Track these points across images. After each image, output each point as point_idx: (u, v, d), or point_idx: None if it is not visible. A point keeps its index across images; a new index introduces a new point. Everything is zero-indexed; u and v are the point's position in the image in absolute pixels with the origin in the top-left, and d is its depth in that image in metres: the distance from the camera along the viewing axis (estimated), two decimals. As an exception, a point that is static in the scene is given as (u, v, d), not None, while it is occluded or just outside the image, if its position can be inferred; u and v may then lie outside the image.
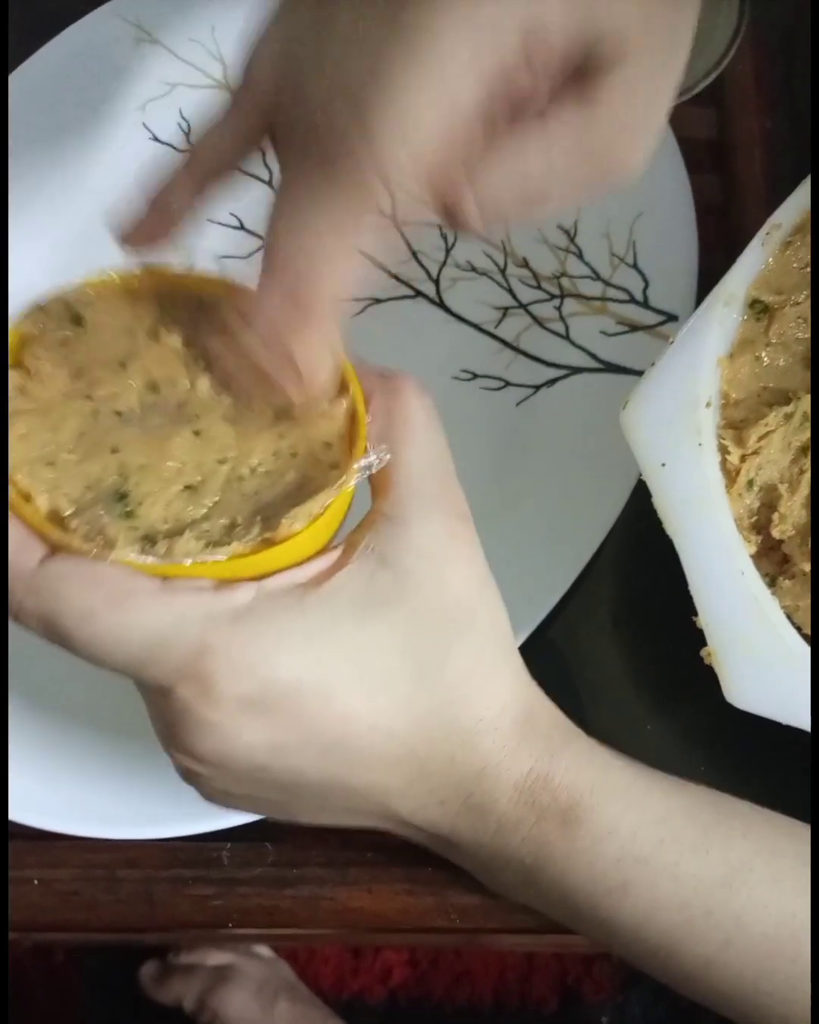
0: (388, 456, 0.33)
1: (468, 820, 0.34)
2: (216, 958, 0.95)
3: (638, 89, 0.29)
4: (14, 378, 0.33)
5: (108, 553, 0.30)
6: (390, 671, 0.32)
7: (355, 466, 0.32)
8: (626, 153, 0.30)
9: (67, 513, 0.31)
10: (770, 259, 0.38)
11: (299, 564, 0.33)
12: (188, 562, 0.30)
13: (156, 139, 0.49)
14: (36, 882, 0.41)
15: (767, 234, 0.37)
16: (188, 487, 0.32)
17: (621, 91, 0.29)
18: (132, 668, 0.31)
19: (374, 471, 0.32)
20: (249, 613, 0.31)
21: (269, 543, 0.31)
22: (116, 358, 0.33)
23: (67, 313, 0.33)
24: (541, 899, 0.35)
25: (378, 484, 0.33)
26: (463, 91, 0.27)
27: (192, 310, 0.33)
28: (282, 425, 0.33)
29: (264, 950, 0.98)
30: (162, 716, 0.32)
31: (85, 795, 0.42)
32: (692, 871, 0.33)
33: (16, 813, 0.41)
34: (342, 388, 0.33)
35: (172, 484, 0.32)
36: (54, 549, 0.31)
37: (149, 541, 0.31)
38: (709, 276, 0.44)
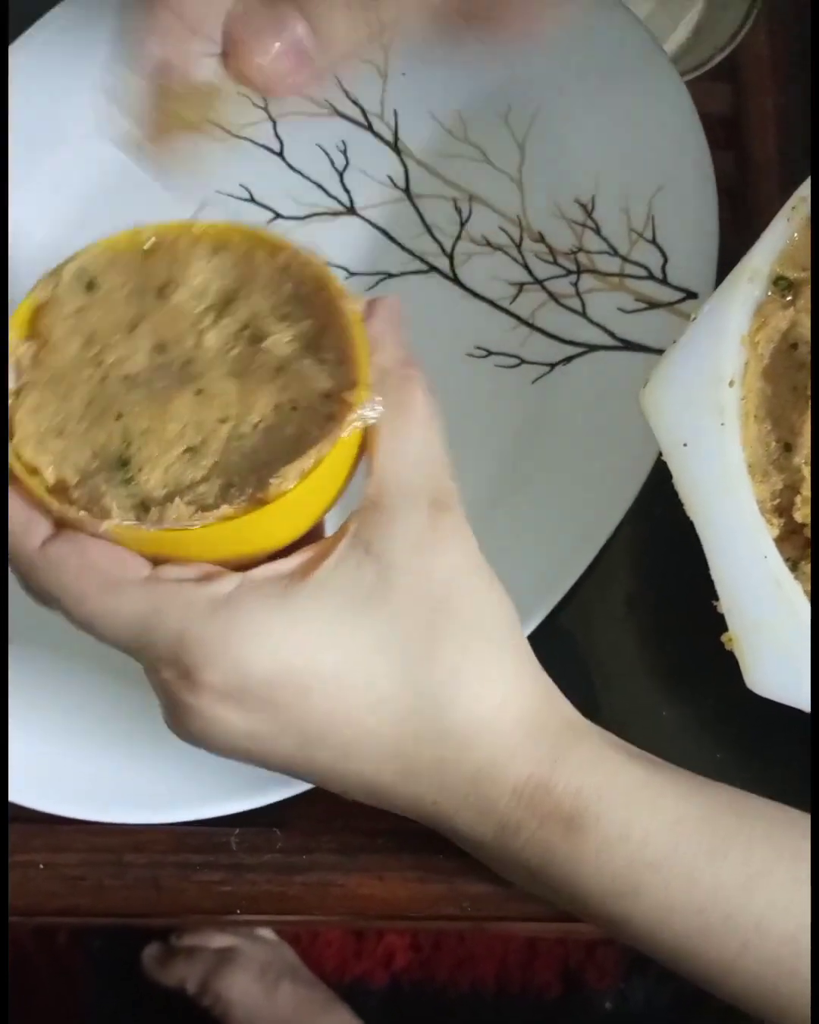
0: (381, 408, 0.32)
1: (466, 819, 0.33)
2: (219, 941, 0.95)
3: None
4: (29, 348, 0.33)
5: (100, 524, 0.31)
6: (372, 668, 0.31)
7: (349, 417, 0.31)
8: None
9: (73, 483, 0.32)
10: (795, 234, 0.37)
11: (296, 529, 0.33)
12: (179, 527, 0.31)
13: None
14: (42, 866, 0.41)
15: (793, 209, 0.36)
16: (189, 449, 0.32)
17: None
18: (125, 649, 0.32)
19: (370, 422, 0.32)
20: (228, 604, 0.31)
21: (260, 503, 0.31)
22: (127, 321, 0.33)
23: (81, 279, 0.33)
24: (551, 895, 0.34)
25: (370, 470, 0.33)
26: None
27: (206, 260, 0.34)
28: (284, 377, 0.32)
29: (267, 933, 0.98)
30: (156, 694, 0.33)
31: (92, 779, 0.41)
32: (708, 876, 0.32)
33: (23, 797, 0.40)
34: (347, 340, 0.32)
35: (173, 447, 0.32)
36: (58, 523, 0.32)
37: (144, 508, 0.31)
38: (723, 254, 0.43)
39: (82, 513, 0.31)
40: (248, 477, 0.32)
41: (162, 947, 0.97)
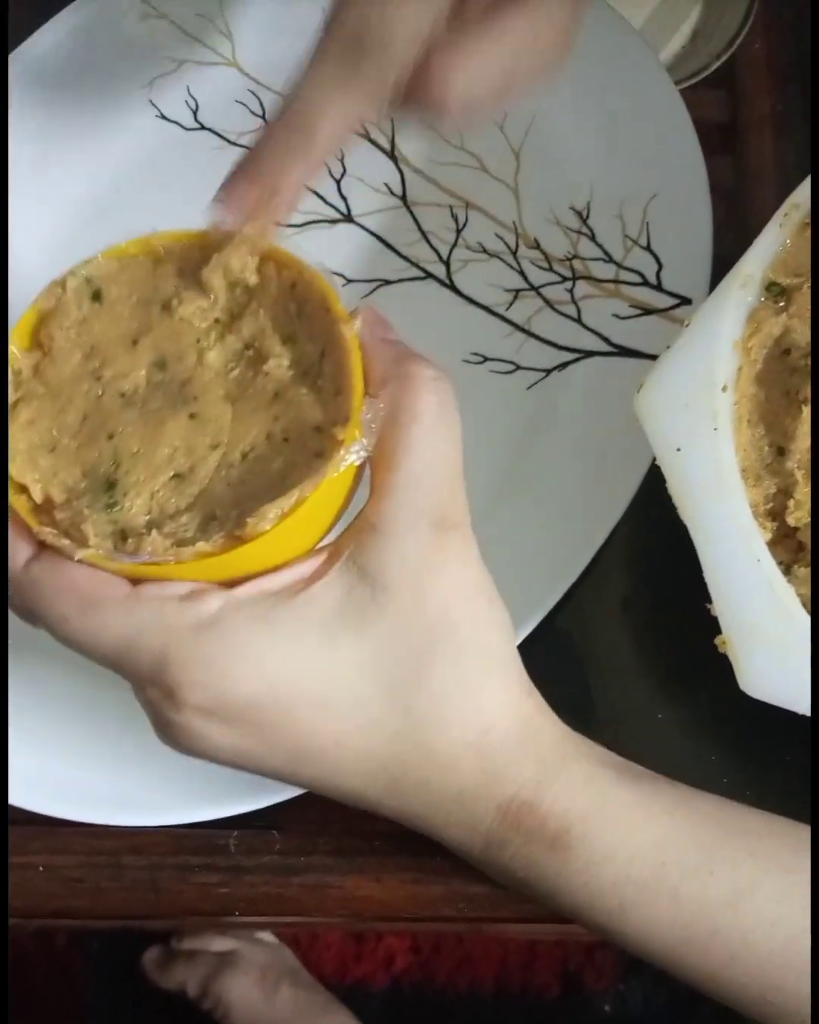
0: (366, 453, 0.31)
1: (454, 833, 0.33)
2: (219, 944, 0.95)
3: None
4: (31, 358, 0.32)
5: (77, 551, 0.30)
6: (359, 691, 0.31)
7: (336, 456, 0.30)
8: (561, 47, 0.34)
9: (59, 502, 0.31)
10: (788, 240, 0.37)
11: (280, 563, 0.32)
12: (154, 562, 0.30)
13: (163, 117, 0.48)
14: (41, 868, 0.41)
15: (785, 215, 0.37)
16: (176, 475, 0.31)
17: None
18: (110, 667, 0.32)
19: (357, 464, 0.31)
20: (212, 625, 0.30)
21: (238, 540, 0.30)
22: (129, 335, 0.33)
23: (87, 288, 0.33)
24: (543, 903, 0.35)
25: (373, 487, 0.32)
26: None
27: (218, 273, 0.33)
28: (279, 405, 0.32)
29: (267, 936, 0.98)
30: (143, 707, 0.33)
31: (91, 781, 0.41)
32: (694, 893, 0.32)
33: (23, 799, 0.41)
34: (343, 370, 0.31)
35: (161, 472, 0.31)
36: (39, 544, 0.31)
37: (122, 538, 0.31)
38: (718, 260, 0.43)
39: (63, 540, 0.30)
40: (229, 511, 0.31)
41: (162, 950, 0.97)
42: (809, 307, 0.37)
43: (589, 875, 0.32)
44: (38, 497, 0.31)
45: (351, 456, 0.30)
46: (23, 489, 0.31)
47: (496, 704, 0.32)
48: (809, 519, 0.36)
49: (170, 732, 0.32)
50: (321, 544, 0.33)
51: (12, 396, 0.32)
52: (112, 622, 0.30)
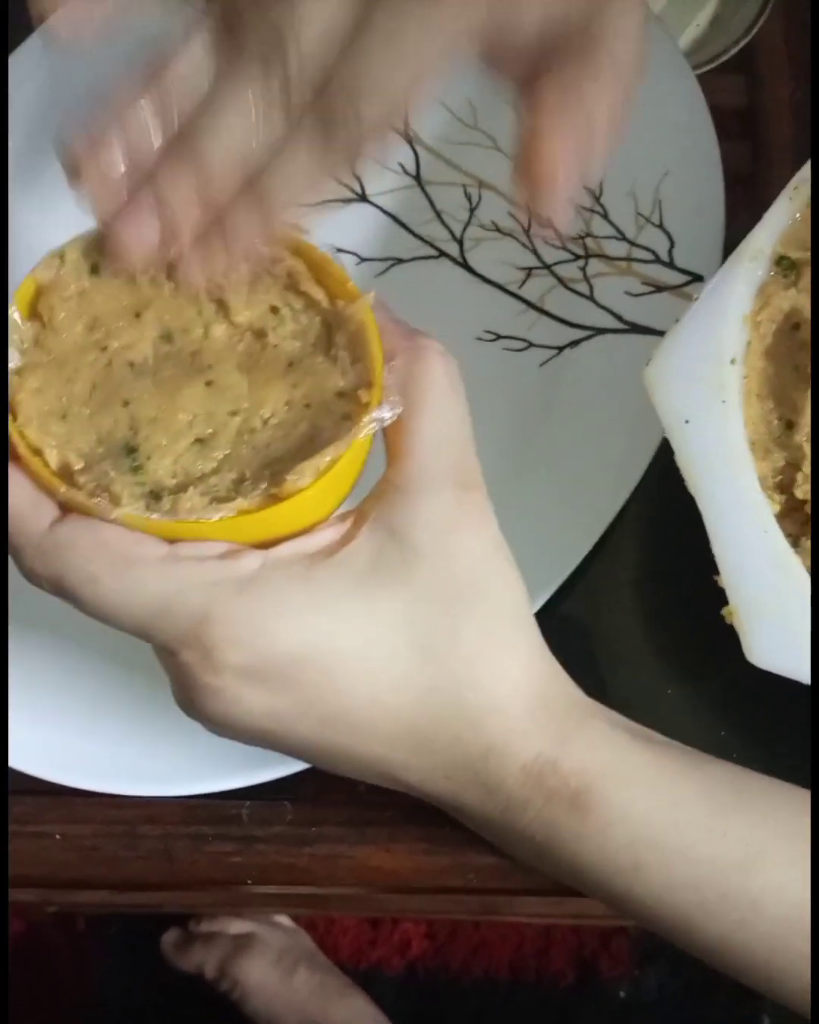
0: (400, 408, 0.32)
1: (475, 795, 0.34)
2: (237, 927, 0.96)
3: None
4: (30, 329, 0.32)
5: (112, 510, 0.30)
6: (394, 647, 0.32)
7: (365, 418, 0.31)
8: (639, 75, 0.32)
9: (77, 468, 0.31)
10: (797, 215, 0.37)
11: (309, 525, 0.33)
12: (192, 519, 0.30)
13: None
14: (58, 837, 0.42)
15: (795, 189, 0.37)
16: (198, 440, 0.32)
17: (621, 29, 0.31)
18: (139, 632, 0.31)
19: (386, 424, 0.32)
20: (253, 583, 0.31)
21: (275, 499, 0.31)
22: (131, 307, 0.33)
23: (85, 261, 0.33)
24: (555, 872, 0.35)
25: (391, 451, 0.33)
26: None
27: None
28: (295, 374, 0.32)
29: (284, 920, 0.99)
30: (170, 676, 0.32)
31: (106, 752, 0.42)
32: (707, 854, 0.32)
33: (40, 769, 0.41)
34: (360, 338, 0.32)
35: (182, 437, 0.32)
36: (63, 506, 0.31)
37: (155, 497, 0.31)
38: (734, 243, 0.43)
39: (94, 499, 0.30)
40: (260, 472, 0.31)
41: (181, 933, 0.97)
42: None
43: (605, 837, 0.33)
44: (54, 463, 0.31)
45: (385, 413, 0.31)
46: (38, 453, 0.31)
47: (520, 663, 0.33)
48: (818, 493, 0.36)
49: (203, 698, 0.31)
50: (341, 510, 0.33)
51: (14, 364, 0.32)
52: (149, 581, 0.30)
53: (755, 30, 0.49)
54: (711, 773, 0.34)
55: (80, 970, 1.03)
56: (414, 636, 0.32)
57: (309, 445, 0.31)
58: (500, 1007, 1.02)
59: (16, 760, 0.41)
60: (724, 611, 0.35)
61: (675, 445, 0.35)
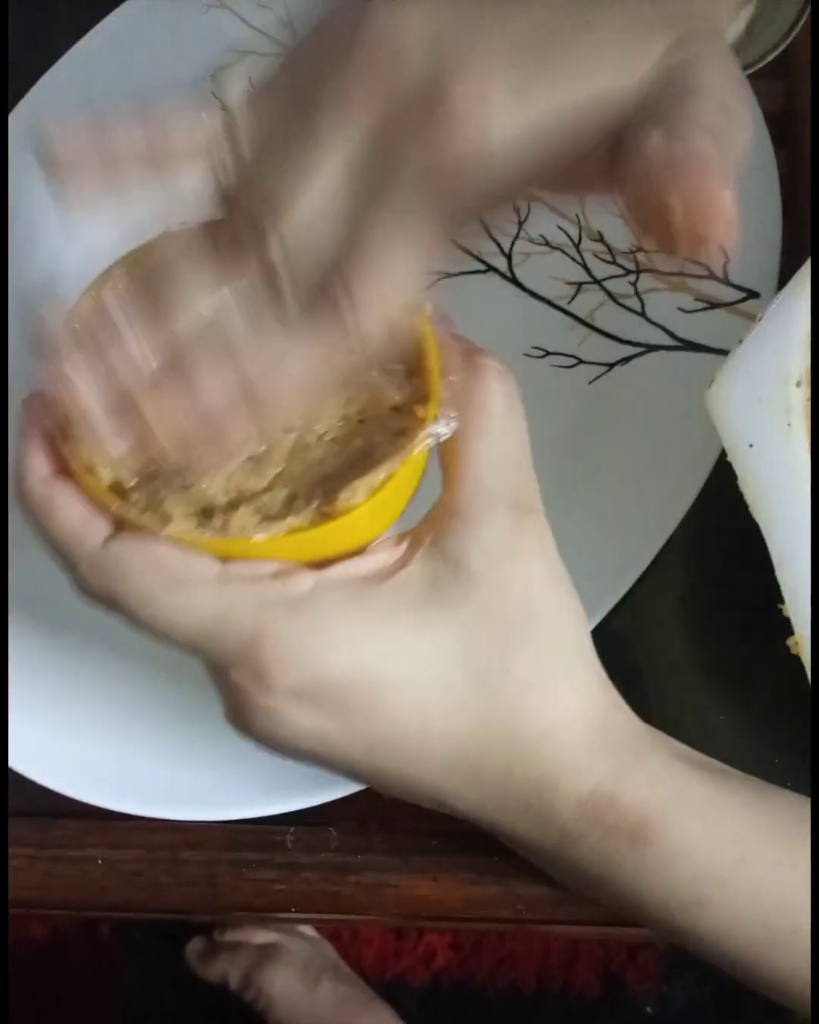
0: (456, 424, 0.31)
1: (528, 826, 0.33)
2: (261, 936, 0.95)
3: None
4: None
5: (163, 528, 0.30)
6: (447, 675, 0.31)
7: (421, 433, 0.31)
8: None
9: (130, 485, 0.31)
10: (864, 233, 0.36)
11: (363, 543, 0.32)
12: (243, 537, 0.30)
13: (226, 109, 0.48)
14: (100, 861, 0.41)
15: (862, 207, 0.36)
16: (251, 458, 0.31)
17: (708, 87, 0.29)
18: (191, 649, 0.31)
19: (442, 439, 0.31)
20: (306, 604, 0.30)
21: (327, 516, 0.30)
22: None
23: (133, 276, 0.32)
24: (611, 903, 0.34)
25: (447, 474, 0.32)
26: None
27: None
28: (350, 390, 0.32)
29: (308, 930, 0.98)
30: (221, 693, 0.32)
31: (150, 776, 0.41)
32: (774, 890, 0.32)
33: (83, 793, 0.41)
34: (417, 352, 0.32)
35: (234, 456, 0.31)
36: (116, 523, 0.31)
37: (206, 515, 0.30)
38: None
39: (145, 516, 0.30)
40: (313, 489, 0.31)
41: (205, 942, 0.97)
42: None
43: (667, 872, 0.32)
44: (106, 480, 0.31)
45: (441, 429, 0.31)
46: (90, 470, 0.31)
47: (576, 694, 0.32)
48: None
49: (252, 717, 0.31)
50: (394, 529, 0.33)
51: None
52: (203, 600, 0.30)
53: (793, 35, 0.48)
54: (775, 803, 0.33)
55: (104, 977, 1.03)
56: (467, 664, 0.31)
57: (363, 462, 0.31)
58: (526, 1019, 1.01)
59: (59, 783, 0.41)
60: (790, 641, 0.34)
61: (738, 469, 0.35)
